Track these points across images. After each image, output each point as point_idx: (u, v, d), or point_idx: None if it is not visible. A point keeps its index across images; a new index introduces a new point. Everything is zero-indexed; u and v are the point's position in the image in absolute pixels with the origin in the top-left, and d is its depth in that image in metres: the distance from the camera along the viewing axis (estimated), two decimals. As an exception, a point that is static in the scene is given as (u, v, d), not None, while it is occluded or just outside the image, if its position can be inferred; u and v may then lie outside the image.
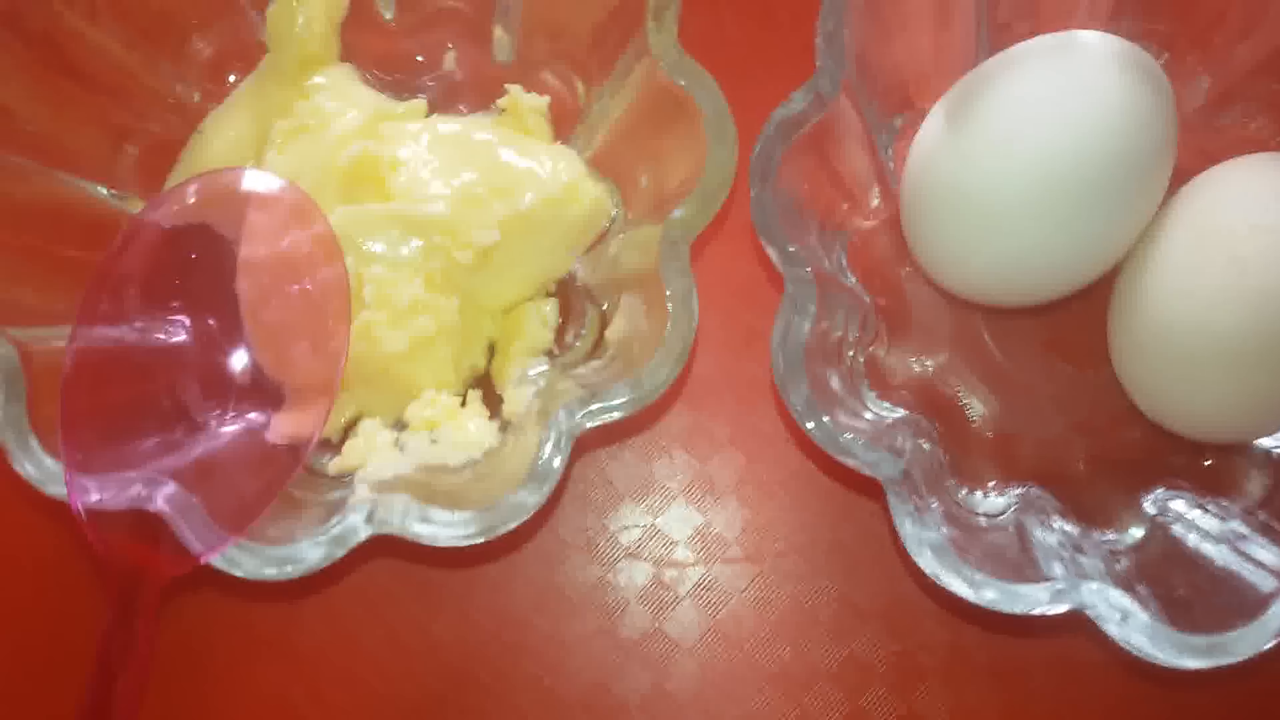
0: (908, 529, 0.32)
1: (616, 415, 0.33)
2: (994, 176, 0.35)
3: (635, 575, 0.40)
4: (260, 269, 0.36)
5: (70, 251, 0.37)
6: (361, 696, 0.39)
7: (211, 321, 0.37)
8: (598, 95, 0.40)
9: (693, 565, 0.40)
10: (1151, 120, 0.35)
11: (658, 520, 0.41)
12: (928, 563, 0.32)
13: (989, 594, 0.32)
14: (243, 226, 0.36)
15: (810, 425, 0.33)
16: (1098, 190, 0.34)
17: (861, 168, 0.38)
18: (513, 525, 0.32)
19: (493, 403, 0.39)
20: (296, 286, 0.36)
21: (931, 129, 0.37)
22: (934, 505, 0.33)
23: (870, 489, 0.40)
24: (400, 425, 0.38)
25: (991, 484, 0.39)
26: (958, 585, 0.32)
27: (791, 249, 0.33)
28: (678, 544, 0.40)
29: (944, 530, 0.33)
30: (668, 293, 0.33)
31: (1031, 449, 0.40)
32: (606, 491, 0.41)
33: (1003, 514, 0.39)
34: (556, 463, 0.32)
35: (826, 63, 0.34)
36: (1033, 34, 0.37)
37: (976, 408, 0.40)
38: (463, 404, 0.39)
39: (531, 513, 0.32)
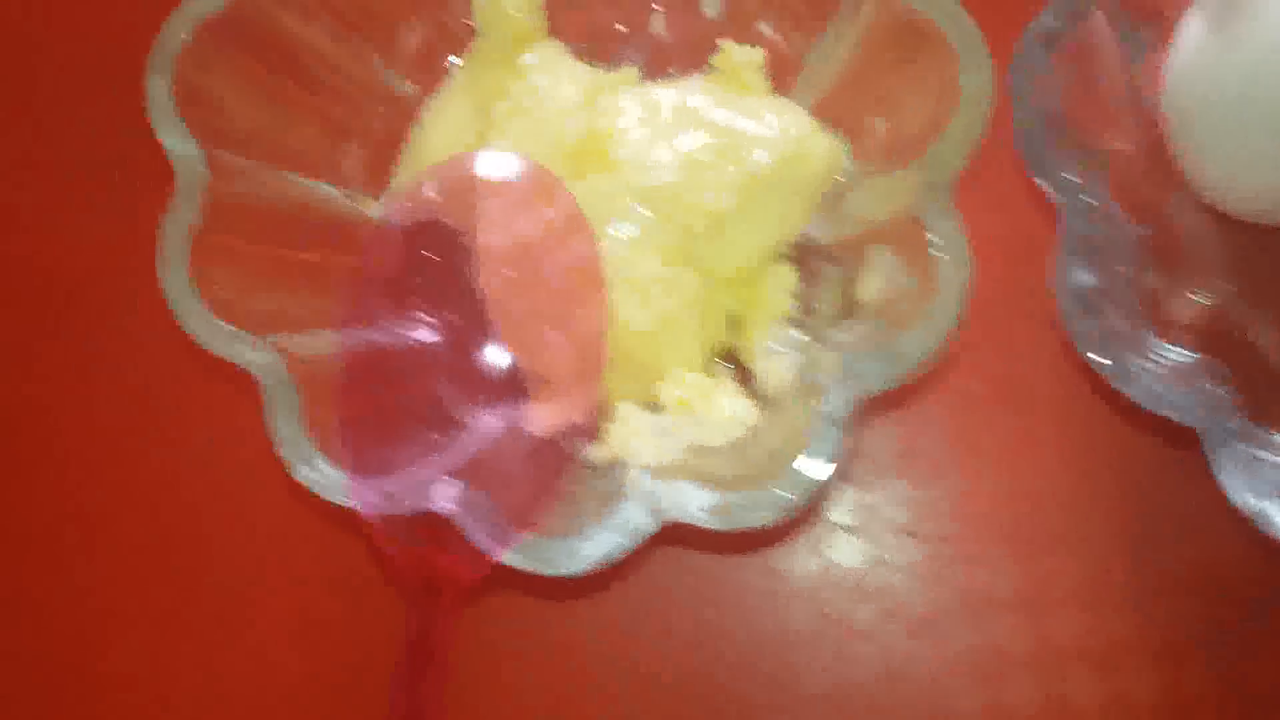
0: (1236, 478, 0.30)
1: (902, 375, 0.31)
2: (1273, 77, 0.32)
3: (906, 552, 0.39)
4: (507, 253, 0.36)
5: (310, 255, 0.37)
6: (646, 689, 0.38)
7: (461, 315, 0.36)
8: (818, 41, 0.38)
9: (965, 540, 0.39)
10: None
11: (922, 492, 0.39)
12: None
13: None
14: (481, 212, 0.36)
15: (1110, 364, 0.30)
16: None
17: (1117, 87, 0.36)
18: (806, 500, 0.31)
19: (741, 377, 0.38)
20: (547, 266, 0.35)
21: (1196, 31, 0.34)
22: (1254, 451, 0.31)
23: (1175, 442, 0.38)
24: (652, 408, 0.37)
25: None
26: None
27: (1067, 177, 0.31)
28: (944, 516, 0.39)
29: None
30: (932, 239, 0.31)
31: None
32: (864, 465, 0.39)
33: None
34: (842, 432, 0.31)
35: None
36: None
37: (1268, 345, 0.38)
38: (711, 381, 0.37)
39: (822, 484, 0.31)
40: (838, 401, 0.31)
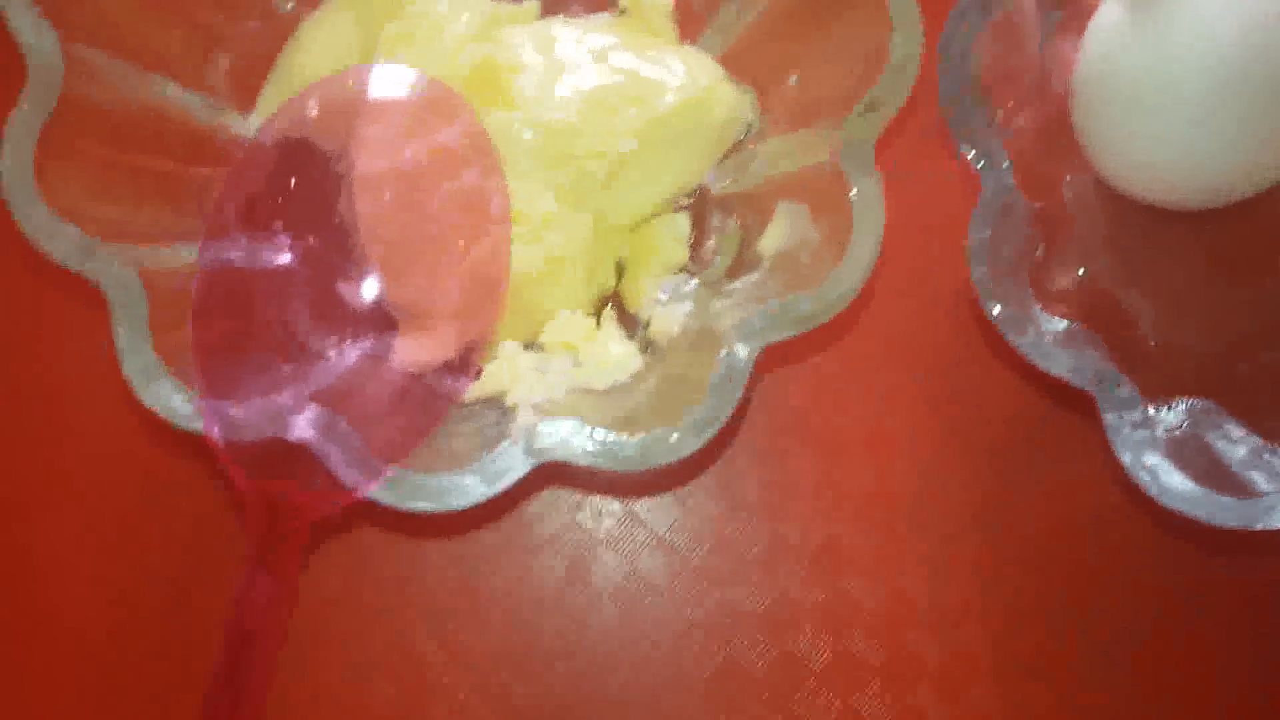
0: (1128, 435, 0.30)
1: (800, 328, 0.30)
2: (1186, 62, 0.33)
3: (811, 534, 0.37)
4: (390, 176, 0.33)
5: (167, 164, 0.34)
6: (501, 648, 0.36)
7: (322, 241, 0.34)
8: (734, -10, 0.37)
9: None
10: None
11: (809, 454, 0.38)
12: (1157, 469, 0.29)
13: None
14: (364, 130, 0.33)
15: (1018, 339, 0.30)
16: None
17: (1030, 63, 0.35)
18: (698, 445, 0.29)
19: (626, 323, 0.36)
20: (439, 194, 0.33)
21: (1111, 12, 0.34)
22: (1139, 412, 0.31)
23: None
24: (535, 348, 0.35)
25: (1160, 398, 0.37)
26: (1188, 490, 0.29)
27: (991, 147, 0.30)
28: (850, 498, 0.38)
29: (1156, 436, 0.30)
30: (852, 195, 0.30)
31: (1195, 361, 0.38)
32: (771, 421, 0.38)
33: (1179, 428, 0.36)
34: (737, 382, 0.29)
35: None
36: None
37: (1138, 317, 0.38)
38: (597, 324, 0.36)
39: (717, 429, 0.29)
40: (737, 352, 0.30)
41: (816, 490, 0.37)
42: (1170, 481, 0.29)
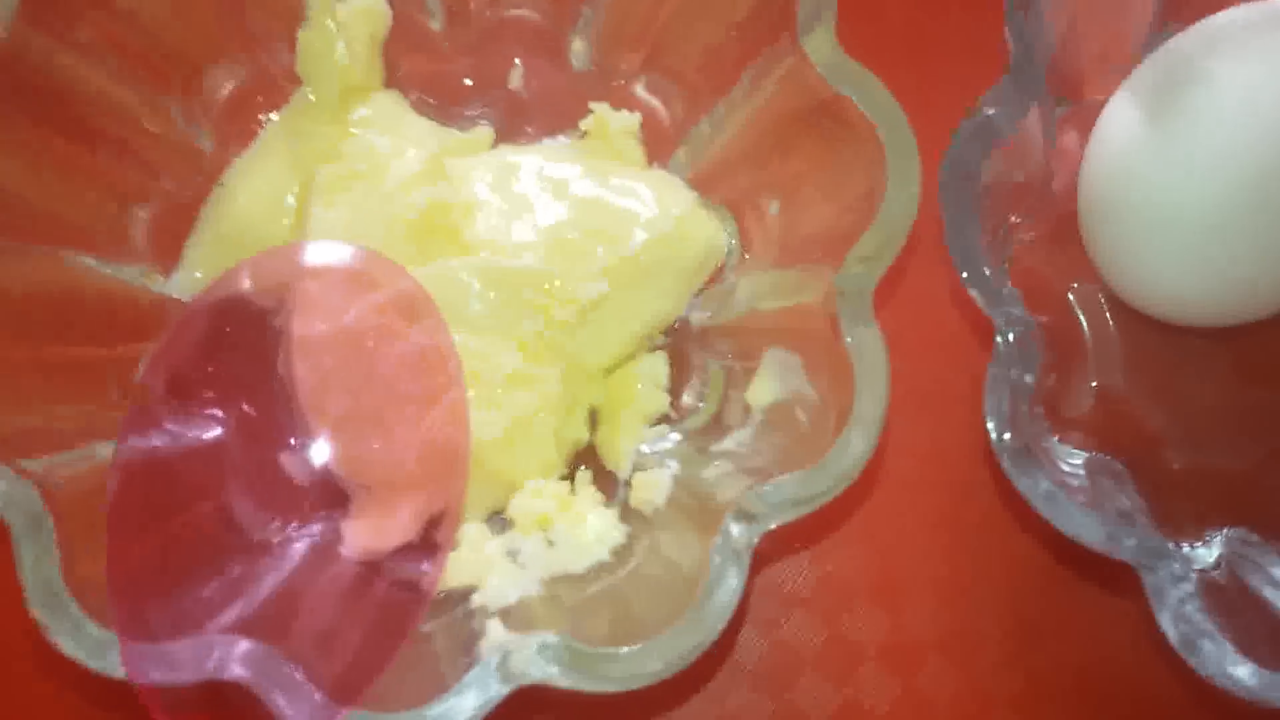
0: (1172, 609, 0.26)
1: (801, 511, 0.27)
2: (1206, 178, 0.30)
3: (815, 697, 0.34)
4: (327, 342, 0.30)
5: (81, 350, 0.30)
6: None
7: (258, 409, 0.30)
8: (707, 111, 0.33)
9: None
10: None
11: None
12: (1209, 655, 0.26)
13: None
14: (298, 297, 0.30)
15: (1058, 519, 0.26)
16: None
17: (1035, 175, 0.32)
18: (690, 659, 0.26)
19: (603, 484, 0.32)
20: (381, 359, 0.30)
21: (1119, 120, 0.32)
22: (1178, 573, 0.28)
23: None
24: (500, 524, 0.32)
25: (1192, 530, 0.34)
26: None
27: (1005, 290, 0.27)
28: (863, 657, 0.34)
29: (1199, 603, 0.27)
30: (850, 351, 0.27)
31: (1225, 483, 0.35)
32: (778, 599, 0.34)
33: (1216, 569, 0.33)
34: (734, 581, 0.26)
35: (1022, 58, 0.28)
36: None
37: (1160, 437, 0.35)
38: (571, 489, 0.32)
39: (709, 641, 0.26)
40: (740, 534, 0.26)
41: (825, 651, 0.34)
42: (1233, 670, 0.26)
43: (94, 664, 0.25)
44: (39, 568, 0.25)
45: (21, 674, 0.32)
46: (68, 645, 0.25)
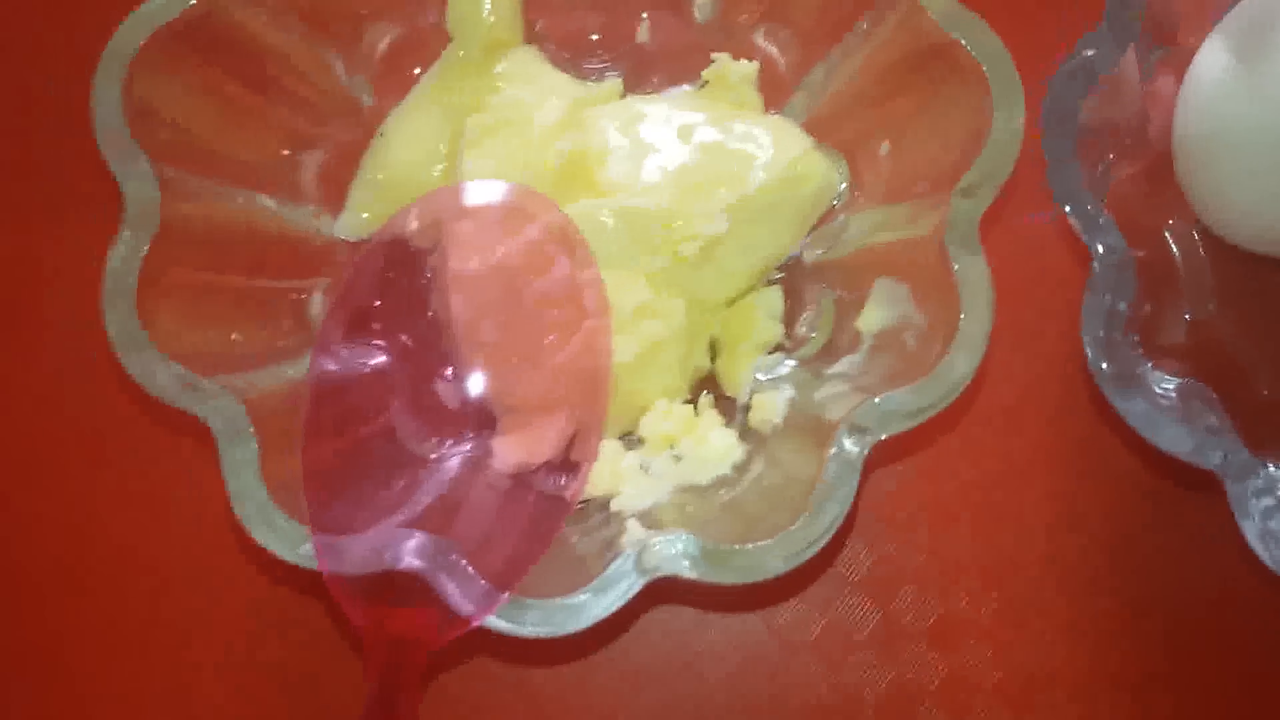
0: (1255, 520, 0.28)
1: (909, 424, 0.29)
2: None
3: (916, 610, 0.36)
4: (484, 277, 0.33)
5: (263, 281, 0.34)
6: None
7: (416, 340, 0.34)
8: (822, 57, 0.36)
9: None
10: None
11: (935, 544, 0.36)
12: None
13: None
14: (455, 233, 0.33)
15: (1129, 410, 0.29)
16: None
17: (1132, 114, 0.34)
18: (807, 556, 0.29)
19: (724, 408, 0.35)
20: (534, 290, 0.33)
21: (1213, 62, 0.33)
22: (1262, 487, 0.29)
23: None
24: (632, 441, 0.35)
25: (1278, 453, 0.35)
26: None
27: (1103, 219, 0.29)
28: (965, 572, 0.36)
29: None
30: (957, 278, 0.29)
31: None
32: (881, 520, 0.37)
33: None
34: (848, 488, 0.28)
35: (1119, 3, 0.29)
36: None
37: (1250, 368, 0.36)
38: (695, 412, 0.35)
39: (825, 539, 0.29)
40: (853, 445, 0.29)
41: (927, 565, 0.36)
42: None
43: (288, 555, 0.28)
44: (240, 470, 0.28)
45: (225, 567, 0.36)
46: (266, 538, 0.28)
